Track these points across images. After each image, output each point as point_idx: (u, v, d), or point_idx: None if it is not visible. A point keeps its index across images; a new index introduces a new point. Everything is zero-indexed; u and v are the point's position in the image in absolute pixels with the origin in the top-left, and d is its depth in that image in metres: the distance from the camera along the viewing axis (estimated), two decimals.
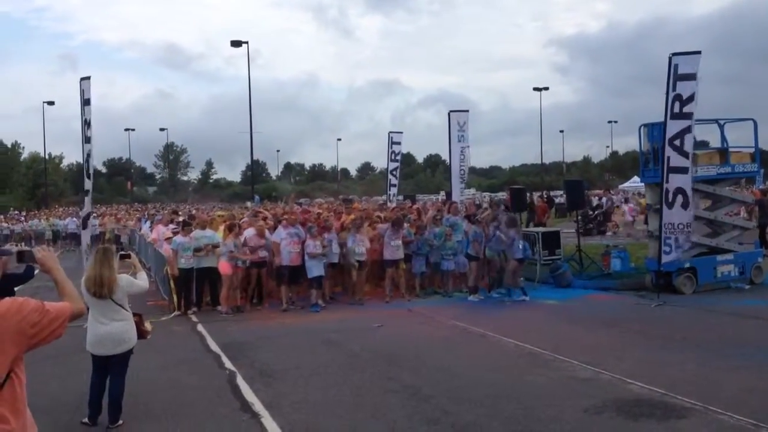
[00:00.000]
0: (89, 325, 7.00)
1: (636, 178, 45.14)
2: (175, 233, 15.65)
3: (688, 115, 13.16)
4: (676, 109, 13.13)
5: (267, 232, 14.74)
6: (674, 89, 13.10)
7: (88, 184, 15.02)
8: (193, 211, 27.23)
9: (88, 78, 14.77)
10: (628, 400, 7.44)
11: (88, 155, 14.86)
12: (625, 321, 11.91)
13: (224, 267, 13.70)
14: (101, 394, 7.09)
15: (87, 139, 14.72)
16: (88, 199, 15.24)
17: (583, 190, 20.70)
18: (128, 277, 7.21)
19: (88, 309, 6.88)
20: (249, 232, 14.52)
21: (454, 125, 20.74)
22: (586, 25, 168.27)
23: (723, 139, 15.58)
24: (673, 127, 13.17)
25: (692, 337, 10.37)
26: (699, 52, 13.33)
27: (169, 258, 14.58)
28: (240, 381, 8.64)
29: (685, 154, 13.26)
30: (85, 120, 14.61)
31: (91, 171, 15.16)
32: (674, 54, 13.23)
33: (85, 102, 14.61)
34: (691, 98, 13.06)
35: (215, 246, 14.09)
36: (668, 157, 13.21)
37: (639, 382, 7.97)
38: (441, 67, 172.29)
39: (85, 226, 15.57)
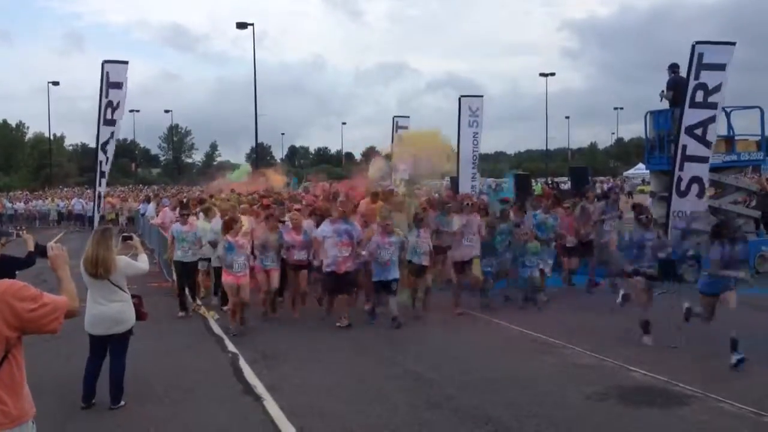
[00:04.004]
0: (87, 305, 7.00)
1: (641, 165, 45.06)
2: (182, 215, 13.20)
3: (714, 105, 13.10)
4: (699, 98, 13.06)
5: (307, 223, 11.72)
6: (697, 78, 13.01)
7: (106, 166, 15.14)
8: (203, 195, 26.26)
9: (125, 62, 14.97)
10: (631, 387, 7.45)
11: (111, 136, 14.96)
12: (628, 308, 11.87)
13: (227, 278, 10.52)
14: (96, 376, 7.09)
15: (110, 122, 14.84)
16: (104, 181, 15.38)
17: (587, 176, 20.67)
18: (127, 258, 7.20)
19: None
20: (285, 228, 11.52)
21: (464, 110, 20.69)
22: (597, 10, 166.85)
23: (729, 127, 15.51)
24: (694, 115, 13.11)
25: (696, 326, 10.34)
26: (734, 43, 13.26)
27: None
28: (243, 364, 8.66)
29: (707, 144, 13.22)
30: (110, 102, 14.73)
31: (110, 154, 15.29)
32: (698, 42, 13.12)
33: (113, 85, 14.73)
34: (717, 88, 12.97)
35: None
36: (684, 146, 13.16)
37: (641, 370, 7.98)
38: (449, 52, 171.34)
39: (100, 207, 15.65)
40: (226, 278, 10.38)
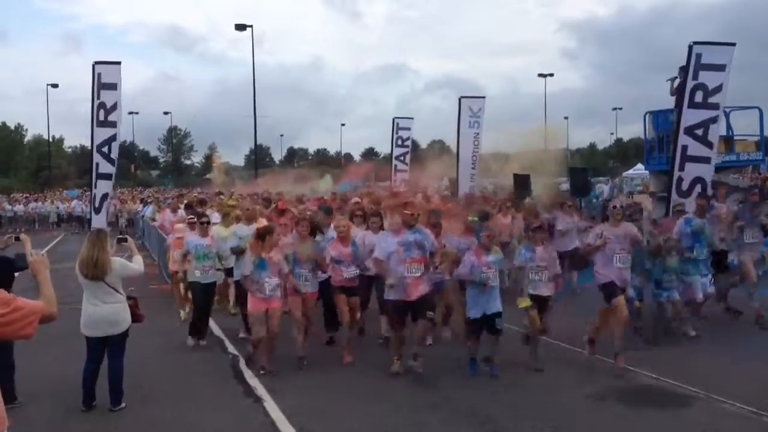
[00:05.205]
0: (83, 306, 7.05)
1: (640, 166, 44.99)
2: (191, 223, 11.41)
3: (715, 106, 13.10)
4: (698, 99, 13.06)
5: (356, 232, 9.39)
6: (695, 78, 13.02)
7: (108, 168, 15.15)
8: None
9: (117, 63, 15.05)
10: (630, 388, 7.46)
11: (110, 138, 15.00)
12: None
13: (254, 303, 8.32)
14: (94, 378, 7.11)
15: (107, 123, 14.89)
16: (107, 183, 15.36)
17: (587, 177, 20.63)
18: (122, 260, 7.23)
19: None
20: (328, 236, 9.40)
21: (465, 111, 20.71)
22: (595, 11, 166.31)
23: (728, 127, 15.52)
24: (693, 116, 13.11)
25: (696, 325, 10.34)
26: (733, 44, 13.26)
27: (173, 258, 11.97)
28: (243, 365, 8.66)
29: (709, 144, 13.22)
30: (103, 103, 14.80)
31: (115, 156, 15.29)
32: (696, 42, 13.13)
33: (106, 86, 14.81)
34: (718, 89, 12.97)
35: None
36: (685, 146, 13.17)
37: (642, 371, 7.97)
38: (448, 53, 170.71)
39: (99, 210, 15.56)
40: (254, 304, 8.24)
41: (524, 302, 8.20)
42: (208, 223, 10.33)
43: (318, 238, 9.16)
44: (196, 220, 10.52)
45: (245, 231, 9.77)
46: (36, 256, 3.72)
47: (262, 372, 8.24)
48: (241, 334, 9.84)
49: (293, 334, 8.75)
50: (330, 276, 8.91)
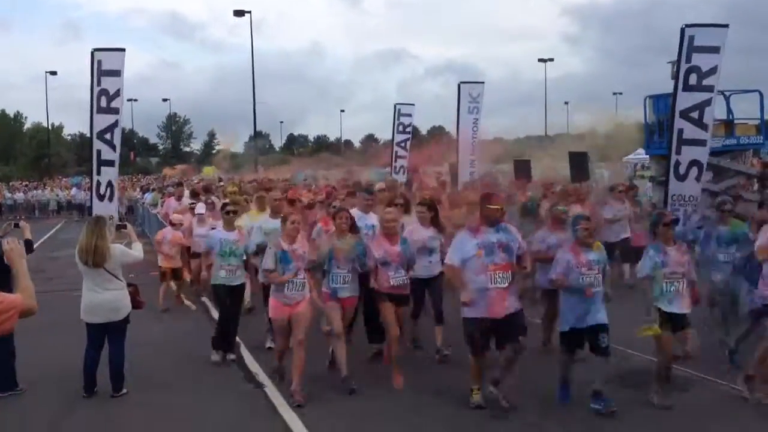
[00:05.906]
0: (83, 293, 7.07)
1: (640, 150, 44.89)
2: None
3: (710, 88, 13.06)
4: (692, 81, 13.02)
5: (404, 228, 7.87)
6: (689, 61, 12.98)
7: (112, 154, 15.13)
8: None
9: (122, 50, 15.03)
10: (630, 370, 7.46)
11: (113, 125, 15.00)
12: (627, 292, 11.89)
13: (276, 308, 7.10)
14: (95, 364, 7.14)
15: (110, 110, 14.88)
16: (113, 170, 15.33)
17: (587, 162, 20.58)
18: (122, 247, 7.24)
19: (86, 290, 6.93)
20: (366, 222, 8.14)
21: (464, 96, 20.67)
22: None
23: (728, 110, 15.48)
24: (687, 99, 13.08)
25: (695, 309, 10.35)
26: (726, 26, 13.20)
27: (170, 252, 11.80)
28: (244, 351, 8.67)
29: (704, 127, 13.19)
30: (105, 90, 14.79)
31: (117, 142, 15.27)
32: (688, 25, 13.09)
33: (109, 73, 14.79)
34: (713, 71, 12.93)
35: None
36: (681, 129, 13.15)
37: (641, 353, 7.98)
38: (449, 38, 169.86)
39: (103, 197, 15.50)
40: (275, 308, 7.05)
41: (650, 330, 6.45)
42: (235, 212, 8.69)
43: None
44: (220, 209, 9.28)
45: (271, 225, 8.23)
46: (11, 244, 3.52)
47: (294, 402, 6.77)
48: (268, 344, 8.58)
49: (330, 350, 7.62)
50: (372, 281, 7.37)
